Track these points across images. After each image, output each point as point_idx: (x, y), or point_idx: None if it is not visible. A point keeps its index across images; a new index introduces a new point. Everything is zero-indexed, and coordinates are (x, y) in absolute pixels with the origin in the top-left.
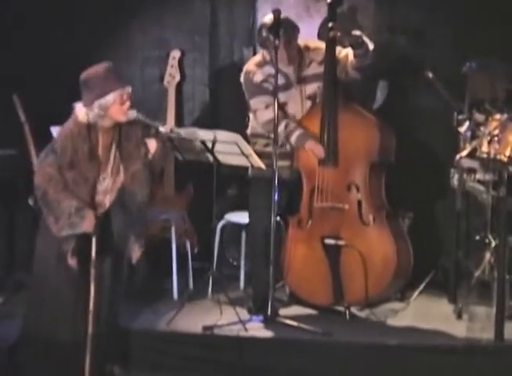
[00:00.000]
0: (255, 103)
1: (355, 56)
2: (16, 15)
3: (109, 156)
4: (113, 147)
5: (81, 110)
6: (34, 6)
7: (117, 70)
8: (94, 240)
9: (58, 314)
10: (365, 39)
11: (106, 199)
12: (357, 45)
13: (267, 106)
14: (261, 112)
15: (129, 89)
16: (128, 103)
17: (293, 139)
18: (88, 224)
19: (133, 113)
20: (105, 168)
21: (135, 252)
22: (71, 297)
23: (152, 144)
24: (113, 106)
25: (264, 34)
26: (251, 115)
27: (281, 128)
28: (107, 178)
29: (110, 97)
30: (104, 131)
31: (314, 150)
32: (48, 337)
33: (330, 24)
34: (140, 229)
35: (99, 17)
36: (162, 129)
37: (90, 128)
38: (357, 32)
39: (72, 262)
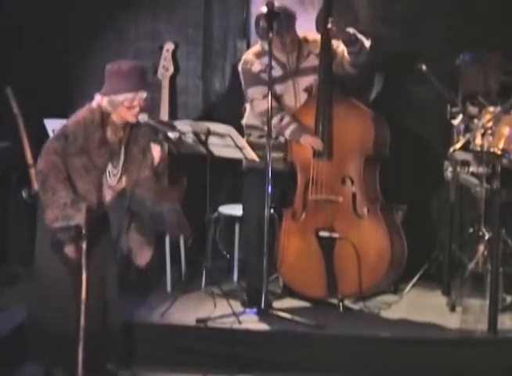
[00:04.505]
0: (252, 92)
1: (348, 53)
2: (8, 8)
3: (119, 152)
4: (122, 147)
5: (97, 99)
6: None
7: (144, 72)
8: (84, 231)
9: (60, 304)
10: (360, 37)
11: (108, 194)
12: (350, 42)
13: (264, 97)
14: (257, 102)
15: (143, 95)
16: (137, 109)
17: (287, 133)
18: (83, 217)
19: (144, 117)
20: (116, 165)
21: (144, 256)
22: (72, 287)
23: (156, 150)
24: (121, 106)
25: (262, 23)
26: (248, 105)
27: (276, 120)
28: (117, 174)
29: (121, 97)
30: (115, 127)
31: (311, 143)
32: (51, 327)
33: (326, 17)
34: (151, 234)
35: (92, 9)
36: (171, 135)
37: (103, 117)
38: (350, 29)
39: (69, 251)
